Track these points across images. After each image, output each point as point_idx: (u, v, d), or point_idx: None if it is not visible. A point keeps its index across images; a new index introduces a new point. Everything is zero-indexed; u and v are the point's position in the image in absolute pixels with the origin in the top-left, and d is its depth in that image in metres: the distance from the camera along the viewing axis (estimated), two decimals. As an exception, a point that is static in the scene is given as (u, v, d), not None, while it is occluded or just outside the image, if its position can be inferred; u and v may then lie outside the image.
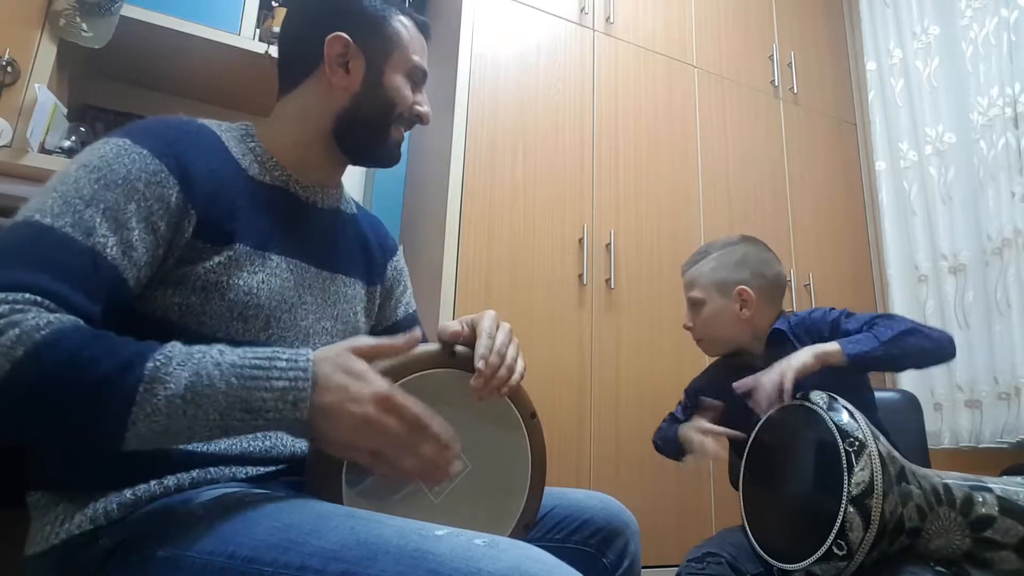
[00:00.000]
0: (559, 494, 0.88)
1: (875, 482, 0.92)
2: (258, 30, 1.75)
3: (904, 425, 1.45)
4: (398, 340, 0.67)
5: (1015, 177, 2.02)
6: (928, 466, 1.17)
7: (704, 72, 2.31)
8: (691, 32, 2.33)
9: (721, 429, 1.22)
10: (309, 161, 0.85)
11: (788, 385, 1.07)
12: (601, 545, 0.85)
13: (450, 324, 0.73)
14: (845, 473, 0.93)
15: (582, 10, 2.12)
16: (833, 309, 1.28)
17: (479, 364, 0.69)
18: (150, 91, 1.88)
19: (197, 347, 0.59)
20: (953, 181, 2.22)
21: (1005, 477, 1.09)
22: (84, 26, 1.50)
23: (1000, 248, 2.03)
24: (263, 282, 0.74)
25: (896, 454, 1.00)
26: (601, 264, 1.94)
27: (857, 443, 0.95)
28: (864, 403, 1.16)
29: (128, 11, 1.56)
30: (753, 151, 2.34)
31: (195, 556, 0.57)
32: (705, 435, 1.22)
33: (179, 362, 0.56)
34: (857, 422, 0.98)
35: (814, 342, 1.19)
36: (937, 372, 2.12)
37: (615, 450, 1.82)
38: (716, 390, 1.35)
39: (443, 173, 1.82)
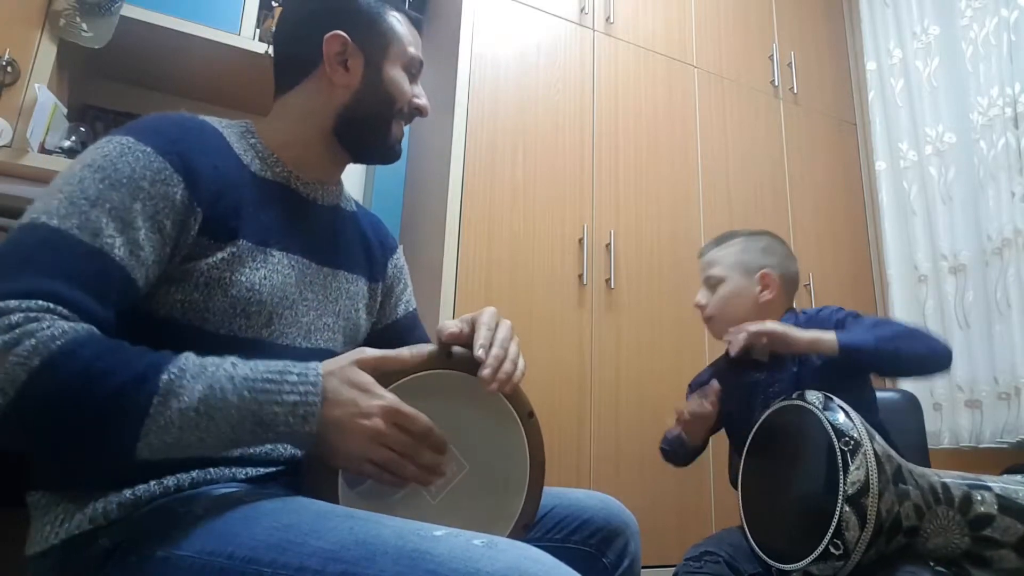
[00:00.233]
0: (559, 494, 0.88)
1: (871, 481, 0.92)
2: (258, 30, 1.75)
3: (904, 425, 1.45)
4: (403, 353, 0.67)
5: (1015, 177, 2.02)
6: (928, 466, 1.17)
7: (704, 72, 2.31)
8: (691, 32, 2.33)
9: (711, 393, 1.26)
10: (309, 158, 0.85)
11: (759, 328, 1.12)
12: (601, 545, 0.85)
13: (449, 324, 0.72)
14: (841, 472, 0.93)
15: (582, 10, 2.12)
16: (842, 309, 1.29)
17: (479, 352, 0.68)
18: (150, 91, 1.88)
19: (210, 359, 0.60)
20: (953, 181, 2.22)
21: (1004, 476, 1.09)
22: (84, 26, 1.50)
23: (1000, 248, 2.03)
24: (265, 278, 0.75)
25: (893, 453, 1.00)
26: (601, 264, 1.94)
27: (852, 442, 0.95)
28: (865, 404, 1.16)
29: (128, 11, 1.57)
30: (753, 151, 2.34)
31: (194, 556, 0.57)
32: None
33: (193, 374, 0.57)
34: (852, 421, 0.98)
35: None
36: (937, 372, 2.12)
37: (615, 450, 1.82)
38: (721, 384, 1.35)
39: (443, 173, 1.82)
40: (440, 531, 0.54)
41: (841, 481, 0.93)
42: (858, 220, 2.53)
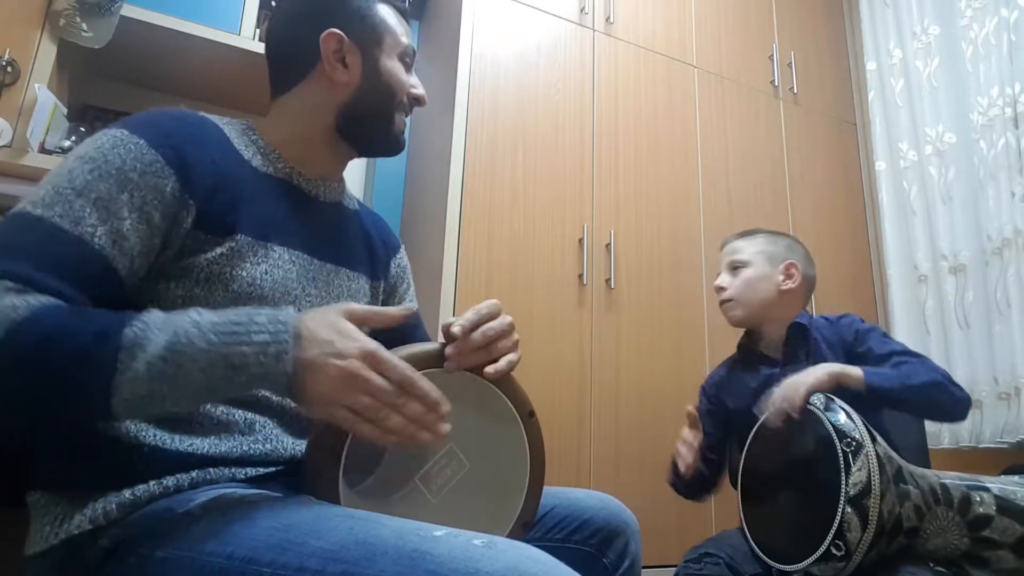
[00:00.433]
0: (559, 494, 0.88)
1: (872, 482, 0.92)
2: (258, 30, 1.75)
3: (904, 425, 1.45)
4: (392, 310, 0.67)
5: (1015, 177, 2.02)
6: (928, 466, 1.17)
7: (704, 72, 2.31)
8: (691, 32, 2.33)
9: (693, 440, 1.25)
10: (312, 155, 0.85)
11: (798, 402, 1.06)
12: (601, 545, 0.85)
13: (454, 322, 0.72)
14: (843, 473, 0.93)
15: (582, 10, 2.12)
16: (862, 320, 1.31)
17: (454, 329, 0.68)
18: (150, 91, 1.88)
19: (177, 312, 0.59)
20: (953, 181, 2.22)
21: (1003, 476, 1.09)
22: (84, 26, 1.50)
23: (1000, 248, 2.03)
24: (266, 273, 0.74)
25: (893, 454, 1.00)
26: (601, 264, 1.94)
27: (854, 443, 0.95)
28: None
29: (128, 11, 1.56)
30: (753, 151, 2.34)
31: (194, 556, 0.57)
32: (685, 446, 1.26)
33: (158, 327, 0.57)
34: (854, 422, 0.98)
35: (840, 344, 1.22)
36: (937, 372, 2.12)
37: (615, 450, 1.82)
38: (734, 383, 1.35)
39: (443, 173, 1.82)
40: (440, 531, 0.54)
41: (843, 482, 0.93)
42: (858, 220, 2.53)
